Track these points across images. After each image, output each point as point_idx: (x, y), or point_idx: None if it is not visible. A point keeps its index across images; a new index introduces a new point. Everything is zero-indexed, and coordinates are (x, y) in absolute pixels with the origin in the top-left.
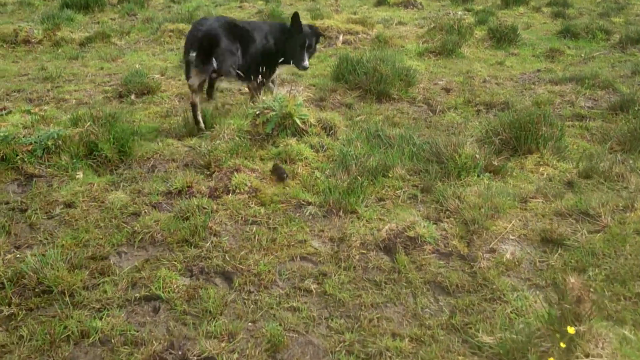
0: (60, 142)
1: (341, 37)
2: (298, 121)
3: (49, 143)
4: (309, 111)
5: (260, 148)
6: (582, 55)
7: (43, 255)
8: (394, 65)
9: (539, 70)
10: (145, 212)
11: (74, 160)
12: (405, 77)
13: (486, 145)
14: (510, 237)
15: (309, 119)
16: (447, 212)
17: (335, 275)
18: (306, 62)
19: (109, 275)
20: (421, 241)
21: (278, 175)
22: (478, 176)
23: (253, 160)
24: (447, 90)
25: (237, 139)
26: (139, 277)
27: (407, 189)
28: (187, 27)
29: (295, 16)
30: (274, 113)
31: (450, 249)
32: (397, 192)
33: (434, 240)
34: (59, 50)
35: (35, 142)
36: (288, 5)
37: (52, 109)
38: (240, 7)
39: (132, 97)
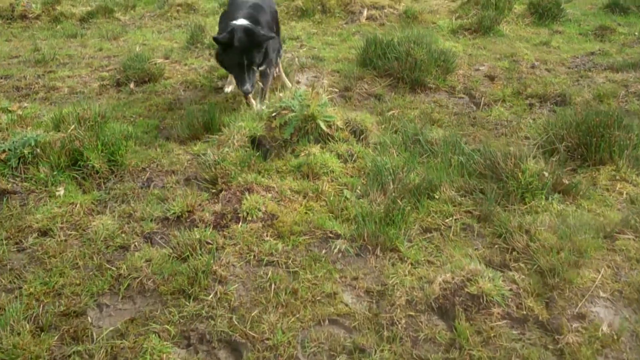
0: (38, 150)
1: (365, 12)
2: (322, 125)
3: (26, 151)
4: (336, 111)
5: (277, 157)
6: (636, 33)
7: (2, 311)
8: (429, 49)
9: (592, 53)
10: (135, 245)
11: (55, 173)
12: (443, 62)
13: (552, 158)
14: (601, 294)
15: (335, 121)
16: (514, 254)
17: (376, 352)
18: (247, 86)
19: (83, 342)
20: (486, 301)
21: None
22: (546, 199)
23: (269, 174)
24: (491, 78)
25: (249, 146)
26: (120, 347)
27: (460, 216)
28: (196, 1)
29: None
30: (294, 114)
31: (525, 313)
32: (447, 220)
33: (502, 299)
34: (58, 27)
35: (9, 149)
36: None
37: (35, 104)
38: None
39: (131, 85)
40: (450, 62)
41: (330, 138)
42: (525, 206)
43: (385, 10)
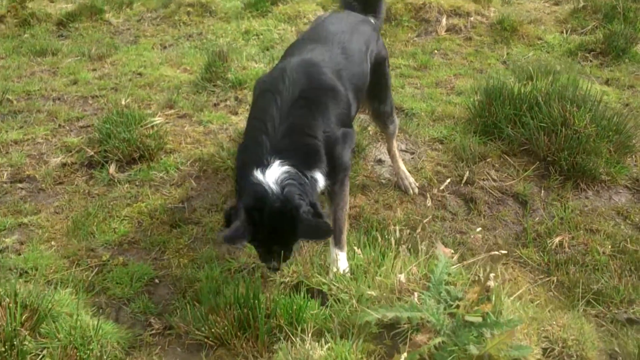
0: None
1: (444, 21)
2: None
3: None
4: (529, 331)
5: None
6: None
7: None
8: (595, 113)
9: None
10: None
11: None
12: (615, 133)
13: None
14: None
15: (529, 355)
16: None
17: None
18: (273, 263)
19: None
20: None
21: None
22: None
23: None
24: None
25: None
26: None
27: None
28: (211, 1)
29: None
30: (441, 341)
31: None
32: None
33: None
34: (25, 35)
35: None
36: None
37: None
38: None
39: (111, 169)
40: (626, 133)
41: None
42: None
43: (472, 19)
